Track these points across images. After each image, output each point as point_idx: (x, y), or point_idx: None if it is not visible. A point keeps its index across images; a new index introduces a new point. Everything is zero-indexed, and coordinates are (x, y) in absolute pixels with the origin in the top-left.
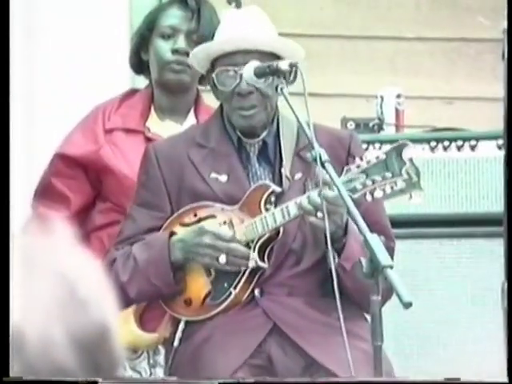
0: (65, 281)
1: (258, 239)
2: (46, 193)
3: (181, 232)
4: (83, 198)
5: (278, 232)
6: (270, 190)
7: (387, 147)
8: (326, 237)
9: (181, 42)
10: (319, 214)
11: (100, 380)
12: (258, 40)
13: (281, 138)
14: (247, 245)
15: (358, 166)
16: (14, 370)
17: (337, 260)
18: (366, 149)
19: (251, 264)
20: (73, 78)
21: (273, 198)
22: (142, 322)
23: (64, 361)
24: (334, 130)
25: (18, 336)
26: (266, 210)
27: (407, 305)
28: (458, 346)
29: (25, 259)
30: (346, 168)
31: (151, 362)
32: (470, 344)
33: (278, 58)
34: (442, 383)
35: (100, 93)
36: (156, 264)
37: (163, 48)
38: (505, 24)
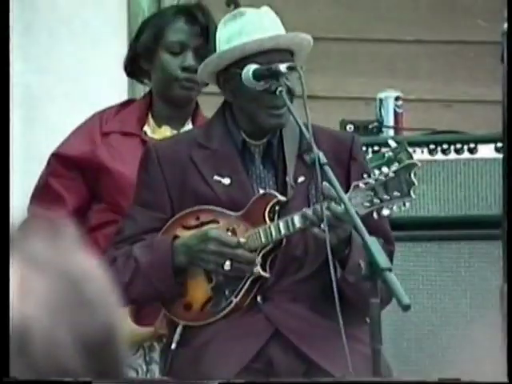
0: (70, 281)
1: (261, 249)
2: (43, 193)
3: (184, 235)
4: (79, 200)
5: (281, 241)
6: (274, 200)
7: (395, 165)
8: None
9: (190, 60)
10: (323, 226)
11: (100, 380)
12: (295, 39)
13: (284, 141)
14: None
15: (367, 184)
16: (18, 372)
17: (339, 272)
18: (365, 151)
19: (256, 269)
20: (72, 79)
21: (277, 207)
22: (138, 317)
23: (69, 362)
24: (335, 132)
25: (23, 337)
26: (270, 219)
27: (406, 307)
28: (456, 348)
29: (29, 259)
30: (353, 184)
31: (147, 358)
32: (469, 346)
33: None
34: (441, 383)
35: (100, 93)
36: (159, 267)
37: (172, 64)
38: (504, 26)
